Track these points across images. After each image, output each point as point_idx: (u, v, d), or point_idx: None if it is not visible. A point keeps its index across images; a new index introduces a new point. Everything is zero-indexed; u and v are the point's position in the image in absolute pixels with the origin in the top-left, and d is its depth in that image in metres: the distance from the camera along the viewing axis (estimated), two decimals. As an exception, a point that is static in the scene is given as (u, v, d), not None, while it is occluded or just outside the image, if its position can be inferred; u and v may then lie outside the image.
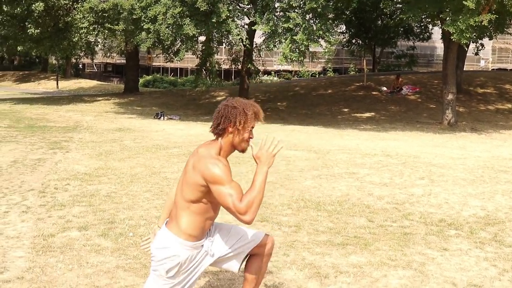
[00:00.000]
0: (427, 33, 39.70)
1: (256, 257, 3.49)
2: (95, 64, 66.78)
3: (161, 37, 18.45)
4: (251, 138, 3.29)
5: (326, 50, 48.44)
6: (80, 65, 65.08)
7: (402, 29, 38.61)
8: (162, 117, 21.19)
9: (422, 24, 37.82)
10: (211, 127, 3.31)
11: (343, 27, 38.20)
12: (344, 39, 40.36)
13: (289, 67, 42.08)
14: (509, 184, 8.75)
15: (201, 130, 16.78)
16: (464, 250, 5.25)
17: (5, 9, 23.60)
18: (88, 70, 66.75)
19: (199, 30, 18.50)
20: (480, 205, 7.23)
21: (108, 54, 55.73)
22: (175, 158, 10.68)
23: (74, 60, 56.84)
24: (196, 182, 3.15)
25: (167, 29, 18.21)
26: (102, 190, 7.48)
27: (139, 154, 11.22)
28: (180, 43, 20.02)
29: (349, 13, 33.25)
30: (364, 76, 31.40)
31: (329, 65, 50.74)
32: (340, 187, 8.09)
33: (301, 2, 18.71)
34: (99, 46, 47.78)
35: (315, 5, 17.62)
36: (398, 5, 28.87)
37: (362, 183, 8.51)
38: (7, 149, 11.64)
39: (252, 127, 3.28)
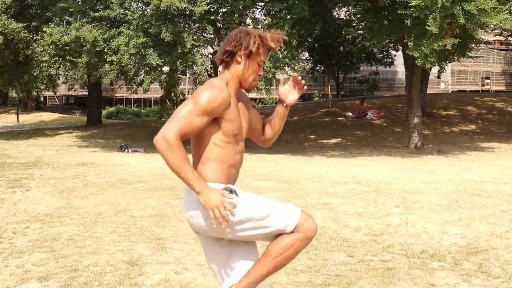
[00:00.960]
0: (390, 59, 40.24)
1: (290, 235, 3.04)
2: (56, 97, 65.84)
3: (124, 68, 18.11)
4: (260, 75, 2.96)
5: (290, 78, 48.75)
6: (41, 98, 64.04)
7: (364, 55, 39.04)
8: (126, 150, 20.70)
9: (384, 49, 38.35)
10: (217, 55, 2.96)
11: (306, 54, 38.45)
12: (308, 66, 40.61)
13: (254, 95, 42.05)
14: (484, 209, 8.61)
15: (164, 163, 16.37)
16: (451, 284, 5.00)
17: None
18: (49, 103, 65.74)
19: (163, 60, 18.22)
20: (459, 232, 7.02)
21: (71, 87, 54.97)
22: (141, 194, 10.28)
23: (35, 93, 55.89)
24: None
25: (129, 59, 17.88)
26: (64, 233, 7.04)
27: (103, 190, 10.77)
28: (144, 74, 19.69)
29: (312, 40, 33.48)
30: (329, 102, 31.50)
31: (293, 92, 50.85)
32: (314, 219, 7.79)
33: (266, 30, 18.63)
34: (61, 78, 47.10)
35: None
36: (360, 31, 29.19)
37: (337, 213, 8.25)
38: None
39: (263, 62, 2.95)
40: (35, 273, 5.33)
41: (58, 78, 45.40)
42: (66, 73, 45.98)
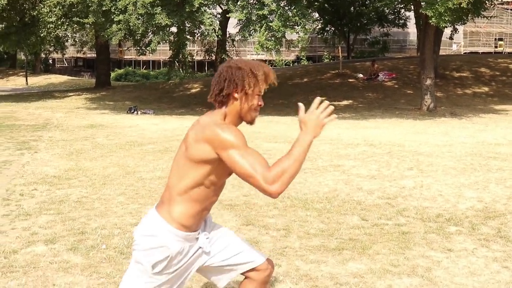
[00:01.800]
0: (402, 20, 39.46)
1: (250, 282, 2.93)
2: (65, 59, 65.43)
3: (132, 28, 17.79)
4: (260, 105, 2.74)
5: (300, 40, 48.12)
6: (50, 60, 63.73)
7: (376, 16, 38.31)
8: (135, 112, 20.55)
9: (395, 10, 37.62)
10: (210, 95, 2.73)
11: (316, 15, 37.78)
12: (318, 27, 39.94)
13: (263, 56, 41.53)
14: (501, 172, 8.40)
15: (176, 124, 16.23)
16: (469, 250, 4.83)
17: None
18: (58, 65, 65.40)
19: (171, 20, 17.87)
20: (476, 196, 6.84)
21: (80, 49, 54.56)
22: (150, 156, 10.14)
23: (43, 56, 55.54)
24: (200, 156, 2.58)
25: (137, 19, 17.55)
26: (72, 195, 6.92)
27: (112, 152, 10.64)
28: (151, 34, 19.36)
29: (322, 0, 32.84)
30: (340, 64, 31.04)
31: (303, 54, 50.31)
32: (326, 182, 7.64)
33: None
34: (70, 40, 46.68)
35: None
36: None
37: (349, 176, 8.07)
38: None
39: (261, 93, 2.73)
40: (41, 236, 5.21)
41: (67, 40, 45.01)
42: (74, 35, 45.54)
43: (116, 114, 19.93)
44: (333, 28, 39.84)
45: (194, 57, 25.66)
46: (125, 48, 52.59)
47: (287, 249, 4.82)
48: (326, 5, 35.74)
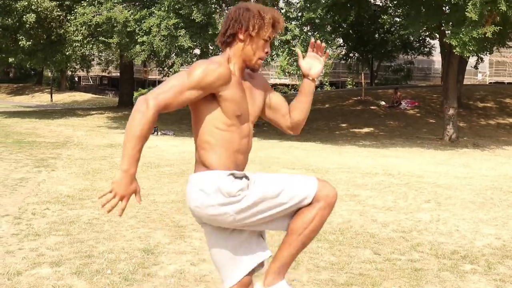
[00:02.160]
0: (427, 48, 39.27)
1: (311, 207, 2.71)
2: (90, 77, 66.40)
3: (155, 49, 17.96)
4: (267, 53, 2.69)
5: (324, 64, 48.03)
6: (75, 78, 64.69)
7: (400, 43, 38.21)
8: (155, 132, 20.62)
9: (421, 38, 37.50)
10: (218, 36, 2.71)
11: (341, 41, 37.81)
12: (342, 53, 39.95)
13: (287, 81, 41.63)
14: (521, 208, 8.18)
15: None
16: (484, 291, 4.67)
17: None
18: (83, 83, 66.34)
19: (194, 43, 18.02)
20: (494, 233, 6.65)
21: (105, 68, 55.35)
22: (166, 178, 10.11)
23: (69, 73, 56.41)
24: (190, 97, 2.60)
25: (161, 41, 17.72)
26: (83, 216, 6.89)
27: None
28: (175, 56, 19.52)
29: (346, 26, 32.87)
30: (362, 90, 30.94)
31: (326, 79, 50.29)
32: (341, 212, 7.50)
33: (299, 14, 18.26)
34: (95, 59, 47.39)
35: (313, 15, 17.15)
36: (396, 19, 28.52)
37: (365, 207, 7.93)
38: (-10, 166, 11.06)
39: (269, 38, 2.66)
40: (48, 258, 5.16)
41: (93, 59, 45.70)
42: (100, 54, 46.24)
43: (137, 134, 20.00)
44: (357, 54, 39.81)
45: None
46: (150, 68, 53.30)
47: (294, 282, 4.70)
48: (350, 31, 35.77)
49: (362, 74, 35.37)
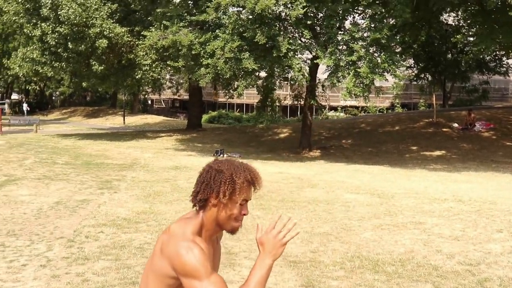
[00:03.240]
0: (504, 67, 37.71)
1: None
2: (163, 100, 67.97)
3: (219, 72, 18.01)
4: (244, 214, 2.38)
5: (395, 86, 47.12)
6: (148, 101, 66.41)
7: (474, 63, 36.87)
8: (222, 155, 20.61)
9: (497, 57, 36.09)
10: (190, 195, 2.43)
11: (411, 61, 36.92)
12: (413, 74, 38.99)
13: (356, 103, 41.00)
14: None
15: (260, 169, 15.73)
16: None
17: (70, 46, 23.93)
18: (156, 106, 67.97)
19: (258, 65, 17.94)
20: None
21: (175, 90, 56.50)
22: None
23: (142, 96, 57.91)
24: (162, 271, 2.28)
25: (225, 63, 17.75)
26: (135, 241, 6.78)
27: (189, 196, 10.53)
28: (239, 78, 19.51)
29: (417, 46, 32.06)
30: (434, 112, 29.97)
31: (397, 101, 49.26)
32: (403, 241, 7.06)
33: (364, 34, 17.88)
34: (166, 82, 48.43)
35: (378, 36, 16.73)
36: (470, 38, 27.58)
37: (430, 236, 7.44)
38: (55, 188, 11.26)
39: (246, 200, 2.37)
40: (92, 284, 5.05)
41: (164, 83, 46.71)
42: (171, 77, 47.19)
43: (202, 157, 20.06)
44: (428, 75, 38.71)
45: (282, 102, 25.62)
46: (220, 91, 54.00)
47: (345, 319, 4.36)
48: (421, 52, 34.87)
49: (434, 95, 34.27)
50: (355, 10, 19.84)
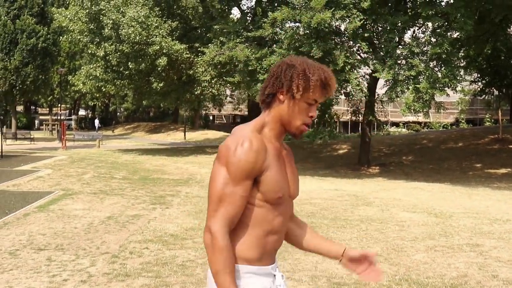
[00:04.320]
0: None
1: None
2: (224, 116, 68.63)
3: (275, 87, 17.95)
4: (312, 117, 2.23)
5: (460, 101, 45.78)
6: (210, 117, 67.21)
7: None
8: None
9: None
10: (259, 94, 2.31)
11: (476, 75, 35.79)
12: (478, 88, 37.78)
13: (416, 118, 40.09)
14: None
15: (315, 186, 15.78)
16: None
17: (131, 66, 24.46)
18: (217, 122, 68.72)
19: (314, 79, 17.76)
20: None
21: (236, 106, 56.99)
22: (276, 219, 9.74)
23: (203, 112, 58.64)
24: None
25: (281, 79, 17.67)
26: (179, 258, 6.70)
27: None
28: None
29: (481, 60, 31.04)
30: (500, 128, 28.86)
31: (462, 116, 47.87)
32: (457, 264, 6.68)
33: (424, 49, 17.40)
34: (227, 98, 48.88)
35: (439, 51, 16.23)
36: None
37: (486, 259, 7.01)
38: (109, 203, 11.40)
39: (316, 101, 2.22)
40: (128, 302, 4.98)
41: (225, 98, 47.15)
42: (232, 93, 47.59)
43: (259, 172, 19.97)
44: (494, 90, 37.41)
45: (339, 117, 25.27)
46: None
47: None
48: (486, 65, 33.75)
49: (500, 111, 33.05)
50: (415, 24, 19.38)
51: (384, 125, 42.82)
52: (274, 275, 2.25)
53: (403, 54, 18.03)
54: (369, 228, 8.99)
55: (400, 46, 18.93)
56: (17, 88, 37.97)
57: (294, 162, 2.42)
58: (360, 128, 47.15)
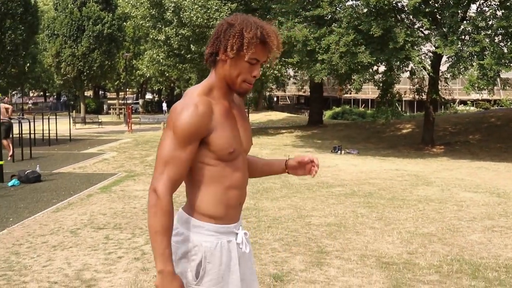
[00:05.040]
0: None
1: None
2: (288, 97, 68.52)
3: (335, 67, 17.75)
4: (254, 76, 2.26)
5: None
6: (274, 98, 67.24)
7: None
8: (339, 151, 20.33)
9: None
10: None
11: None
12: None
13: (483, 96, 38.72)
14: None
15: (375, 166, 15.60)
16: None
17: (193, 48, 24.76)
18: (281, 103, 68.68)
19: (374, 58, 17.44)
20: None
21: (300, 87, 56.73)
22: (333, 199, 9.73)
23: (266, 93, 58.70)
24: None
25: (340, 58, 17.44)
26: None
27: (297, 192, 10.46)
28: (355, 73, 19.10)
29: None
30: None
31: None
32: (514, 245, 6.50)
33: (489, 22, 16.74)
34: (290, 79, 48.75)
35: (505, 24, 15.56)
36: None
37: (548, 240, 6.78)
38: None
39: (256, 60, 2.23)
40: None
41: (289, 79, 47.03)
42: (295, 73, 47.43)
43: (320, 153, 19.90)
44: None
45: (403, 96, 24.76)
46: (333, 86, 53.41)
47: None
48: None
49: None
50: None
51: (451, 104, 41.62)
52: (236, 233, 2.33)
53: (467, 29, 17.42)
54: (426, 208, 8.83)
55: (464, 22, 18.28)
56: (85, 73, 39.15)
57: (246, 116, 2.51)
58: (424, 107, 46.09)
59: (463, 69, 17.47)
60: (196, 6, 23.45)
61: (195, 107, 2.18)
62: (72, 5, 38.76)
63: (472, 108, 44.91)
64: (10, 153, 15.51)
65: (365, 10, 17.35)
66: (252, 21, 2.23)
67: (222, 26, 2.25)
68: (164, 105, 57.35)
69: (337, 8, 18.47)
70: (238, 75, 2.24)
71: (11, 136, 16.05)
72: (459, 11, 17.91)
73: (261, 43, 2.22)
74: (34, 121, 19.46)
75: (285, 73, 37.51)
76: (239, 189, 2.34)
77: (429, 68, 19.24)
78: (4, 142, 15.63)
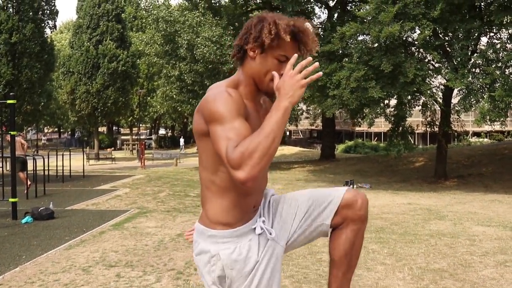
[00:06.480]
0: None
1: (342, 228, 2.38)
2: (300, 131, 68.69)
3: (345, 102, 17.88)
4: (283, 74, 2.08)
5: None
6: (286, 132, 67.42)
7: None
8: (351, 185, 20.29)
9: None
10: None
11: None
12: None
13: (496, 128, 38.57)
14: None
15: (387, 200, 15.55)
16: None
17: (207, 83, 25.05)
18: (294, 137, 68.84)
19: (384, 93, 17.56)
20: None
21: (312, 121, 56.86)
22: (343, 234, 9.67)
23: (279, 128, 58.76)
24: (198, 128, 2.15)
25: (351, 94, 17.58)
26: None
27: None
28: (366, 108, 19.21)
29: None
30: None
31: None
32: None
33: (500, 55, 16.84)
34: (303, 113, 48.92)
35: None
36: None
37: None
38: (181, 220, 11.68)
39: (286, 58, 2.13)
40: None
41: (301, 113, 47.19)
42: (308, 108, 47.60)
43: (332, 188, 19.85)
44: None
45: (416, 130, 24.78)
46: (345, 120, 53.51)
47: None
48: None
49: None
50: (491, 30, 18.77)
51: (464, 136, 41.50)
52: (254, 228, 2.25)
53: (477, 62, 17.52)
54: (438, 243, 8.78)
55: (475, 54, 18.39)
56: (99, 110, 39.62)
57: None
58: (437, 140, 45.94)
59: (474, 101, 17.53)
60: (209, 42, 23.81)
61: (227, 93, 2.10)
62: (88, 43, 39.45)
63: (485, 139, 44.73)
64: (28, 184, 15.67)
65: (375, 45, 17.54)
66: (286, 16, 2.19)
67: (252, 20, 2.20)
68: (182, 140, 57.65)
69: (348, 44, 18.68)
70: (266, 73, 2.16)
71: (26, 170, 16.26)
72: (469, 44, 18.02)
73: (292, 38, 2.14)
74: (48, 158, 19.68)
75: (297, 107, 37.68)
76: (258, 194, 2.29)
77: (441, 101, 19.31)
78: (21, 174, 15.87)
